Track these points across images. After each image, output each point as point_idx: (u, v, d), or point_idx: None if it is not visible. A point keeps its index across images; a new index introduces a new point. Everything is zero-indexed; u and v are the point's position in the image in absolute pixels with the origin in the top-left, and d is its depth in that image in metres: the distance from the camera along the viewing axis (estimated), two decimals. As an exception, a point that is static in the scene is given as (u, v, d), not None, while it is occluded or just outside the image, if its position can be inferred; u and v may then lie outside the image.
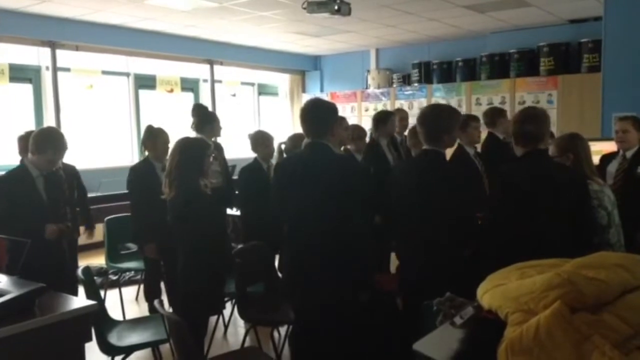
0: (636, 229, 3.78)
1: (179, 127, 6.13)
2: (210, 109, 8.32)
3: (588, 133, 5.14)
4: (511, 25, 8.09)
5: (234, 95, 9.98)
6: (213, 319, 4.18)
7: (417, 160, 3.29)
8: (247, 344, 3.86)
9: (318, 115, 2.91)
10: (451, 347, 1.76)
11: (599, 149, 4.58)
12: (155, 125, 4.41)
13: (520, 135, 2.76)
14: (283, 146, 4.80)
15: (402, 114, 5.53)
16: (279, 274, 3.87)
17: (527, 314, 1.55)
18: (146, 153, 4.37)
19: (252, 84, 10.64)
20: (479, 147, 4.80)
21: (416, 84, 9.25)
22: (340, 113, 4.82)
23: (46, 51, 7.32)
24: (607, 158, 4.29)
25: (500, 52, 8.32)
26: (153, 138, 4.32)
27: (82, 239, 4.88)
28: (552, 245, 2.48)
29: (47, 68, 7.42)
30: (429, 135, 2.93)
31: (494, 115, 5.02)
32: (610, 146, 4.50)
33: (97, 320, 2.99)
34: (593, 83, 6.86)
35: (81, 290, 3.32)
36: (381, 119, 4.95)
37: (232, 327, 4.48)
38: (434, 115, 2.98)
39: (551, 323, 1.45)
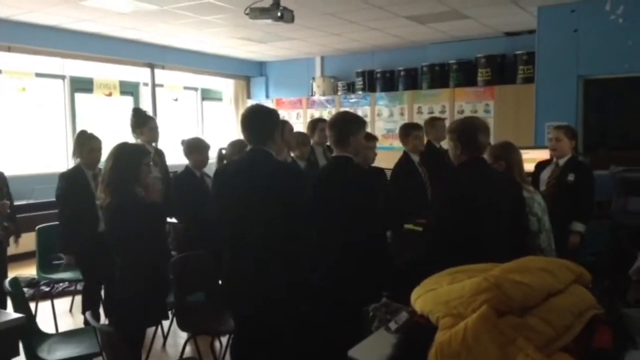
0: (566, 233, 3.96)
1: (118, 132, 5.97)
2: (151, 113, 8.14)
3: (523, 141, 5.38)
4: (451, 37, 8.33)
5: (176, 100, 9.79)
6: (151, 329, 4.07)
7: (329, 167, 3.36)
8: (187, 354, 3.78)
9: (259, 122, 2.90)
10: (384, 353, 1.78)
11: (532, 157, 4.78)
12: (90, 130, 4.27)
13: (472, 144, 2.79)
14: (224, 151, 4.74)
15: (322, 125, 5.10)
16: (219, 282, 3.82)
17: (457, 318, 1.59)
18: (77, 160, 4.22)
19: (196, 89, 10.47)
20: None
21: (360, 92, 9.36)
22: (286, 120, 4.83)
23: (-25, 52, 6.97)
24: (541, 165, 4.46)
25: (440, 63, 8.54)
26: (83, 144, 4.18)
27: (10, 249, 4.65)
28: (494, 250, 2.56)
29: (-24, 69, 7.07)
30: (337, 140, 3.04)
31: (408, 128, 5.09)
32: (543, 154, 4.69)
33: (25, 333, 2.86)
34: (527, 93, 7.14)
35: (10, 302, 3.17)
36: (309, 127, 5.15)
37: (171, 337, 4.37)
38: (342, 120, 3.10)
39: (478, 327, 1.50)
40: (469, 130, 2.76)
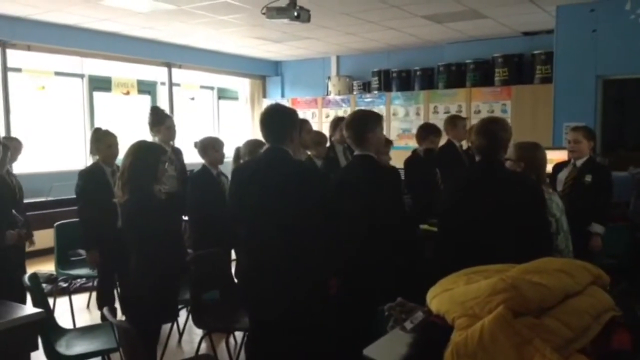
0: (584, 235, 3.92)
1: (135, 130, 6.02)
2: (168, 112, 8.20)
3: (540, 142, 5.31)
4: (467, 36, 8.29)
5: (192, 99, 9.86)
6: (167, 326, 4.11)
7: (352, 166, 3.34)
8: (202, 351, 3.80)
9: (277, 121, 2.90)
10: (400, 352, 1.78)
11: (550, 157, 4.71)
12: (106, 128, 4.33)
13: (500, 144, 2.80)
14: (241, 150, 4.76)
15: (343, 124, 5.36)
16: (235, 281, 3.84)
17: (473, 319, 1.58)
18: (95, 157, 4.28)
19: (212, 88, 10.54)
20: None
21: (376, 92, 9.35)
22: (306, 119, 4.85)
23: (-4, 50, 7.08)
24: (558, 166, 4.42)
25: (457, 62, 8.51)
26: (99, 141, 4.23)
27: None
28: (506, 252, 2.54)
29: (-3, 68, 7.18)
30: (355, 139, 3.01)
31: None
32: (561, 155, 4.65)
33: (44, 328, 2.90)
34: (545, 94, 7.08)
35: (29, 297, 3.22)
36: (330, 125, 5.13)
37: (187, 334, 4.41)
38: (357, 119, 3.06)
39: (494, 327, 1.49)
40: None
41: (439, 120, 5.59)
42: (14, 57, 7.24)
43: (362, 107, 9.10)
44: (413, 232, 3.40)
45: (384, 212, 2.91)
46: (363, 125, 3.02)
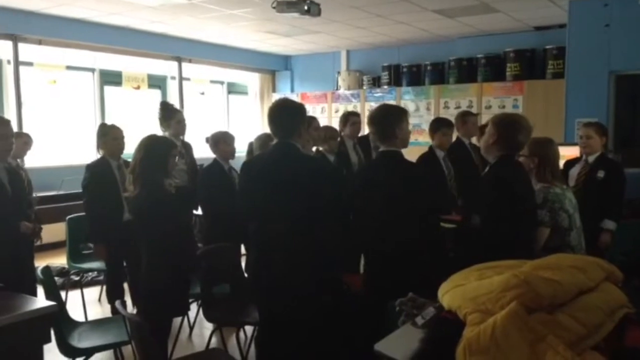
0: (595, 231, 3.89)
1: (146, 124, 6.04)
2: (178, 107, 8.22)
3: (552, 138, 5.28)
4: (479, 31, 8.22)
5: (202, 93, 9.88)
6: (178, 320, 4.13)
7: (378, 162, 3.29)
8: (212, 345, 3.82)
9: (285, 116, 2.89)
10: (411, 347, 1.78)
11: (562, 153, 4.68)
12: (118, 123, 4.36)
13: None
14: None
15: (353, 119, 5.19)
16: (245, 275, 3.85)
17: (485, 314, 1.58)
18: (102, 152, 4.32)
19: (222, 83, 10.55)
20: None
21: (386, 86, 9.31)
22: (311, 114, 4.84)
23: (8, 45, 7.11)
24: (570, 162, 4.39)
25: (468, 57, 8.45)
26: (106, 134, 4.27)
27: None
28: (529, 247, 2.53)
29: (9, 62, 7.21)
30: (381, 135, 2.95)
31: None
32: (572, 151, 4.61)
33: (56, 321, 2.92)
34: (557, 89, 7.03)
35: (41, 290, 3.24)
36: (340, 120, 5.13)
37: (197, 328, 4.43)
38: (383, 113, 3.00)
39: (507, 323, 1.48)
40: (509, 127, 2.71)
41: (449, 116, 5.54)
42: (26, 51, 7.28)
43: (372, 102, 9.10)
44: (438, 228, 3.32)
45: (412, 207, 2.85)
46: (388, 120, 2.94)
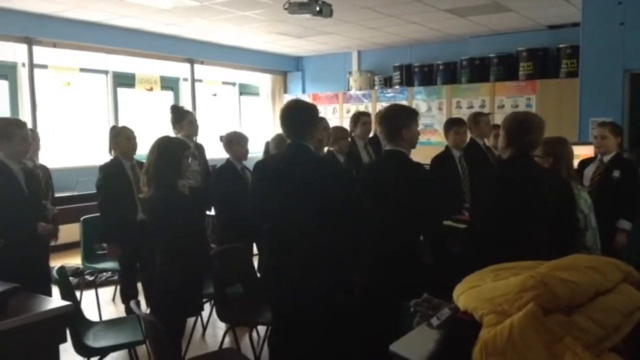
0: (610, 231, 3.85)
1: (158, 126, 6.07)
2: (190, 108, 8.27)
3: (566, 137, 5.24)
4: (491, 30, 8.18)
5: (214, 95, 9.92)
6: (192, 320, 4.15)
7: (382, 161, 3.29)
8: (225, 345, 3.84)
9: (297, 117, 2.89)
10: (427, 348, 1.77)
11: (576, 153, 4.63)
12: (131, 125, 4.41)
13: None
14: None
15: (364, 119, 5.15)
16: (258, 275, 3.86)
17: (502, 316, 1.57)
18: (114, 153, 4.36)
19: (234, 84, 10.59)
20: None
21: (397, 87, 9.29)
22: (322, 114, 4.83)
23: (23, 47, 7.19)
24: (584, 162, 4.35)
25: (480, 57, 8.40)
26: (118, 135, 4.31)
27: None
28: (536, 247, 2.50)
29: (24, 64, 7.30)
30: (389, 134, 2.95)
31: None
32: (587, 150, 4.57)
33: (72, 321, 2.95)
34: (571, 88, 6.96)
35: (56, 290, 3.27)
36: (351, 120, 5.11)
37: (210, 328, 4.45)
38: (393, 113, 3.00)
39: (524, 324, 1.47)
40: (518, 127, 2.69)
41: (462, 116, 5.52)
42: (40, 53, 7.35)
43: (384, 102, 9.07)
44: (442, 229, 3.33)
45: (413, 209, 2.86)
46: (397, 120, 2.95)
